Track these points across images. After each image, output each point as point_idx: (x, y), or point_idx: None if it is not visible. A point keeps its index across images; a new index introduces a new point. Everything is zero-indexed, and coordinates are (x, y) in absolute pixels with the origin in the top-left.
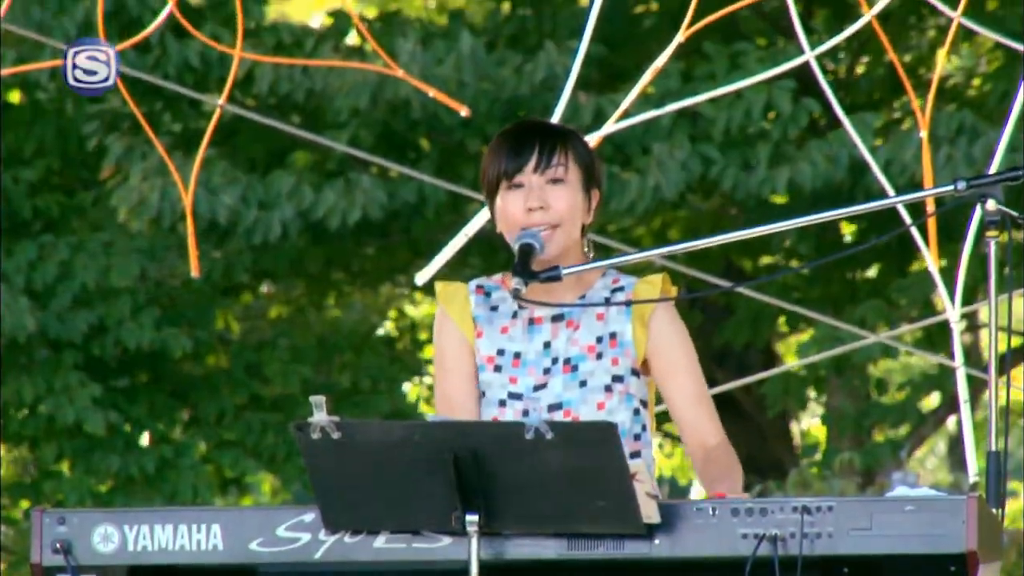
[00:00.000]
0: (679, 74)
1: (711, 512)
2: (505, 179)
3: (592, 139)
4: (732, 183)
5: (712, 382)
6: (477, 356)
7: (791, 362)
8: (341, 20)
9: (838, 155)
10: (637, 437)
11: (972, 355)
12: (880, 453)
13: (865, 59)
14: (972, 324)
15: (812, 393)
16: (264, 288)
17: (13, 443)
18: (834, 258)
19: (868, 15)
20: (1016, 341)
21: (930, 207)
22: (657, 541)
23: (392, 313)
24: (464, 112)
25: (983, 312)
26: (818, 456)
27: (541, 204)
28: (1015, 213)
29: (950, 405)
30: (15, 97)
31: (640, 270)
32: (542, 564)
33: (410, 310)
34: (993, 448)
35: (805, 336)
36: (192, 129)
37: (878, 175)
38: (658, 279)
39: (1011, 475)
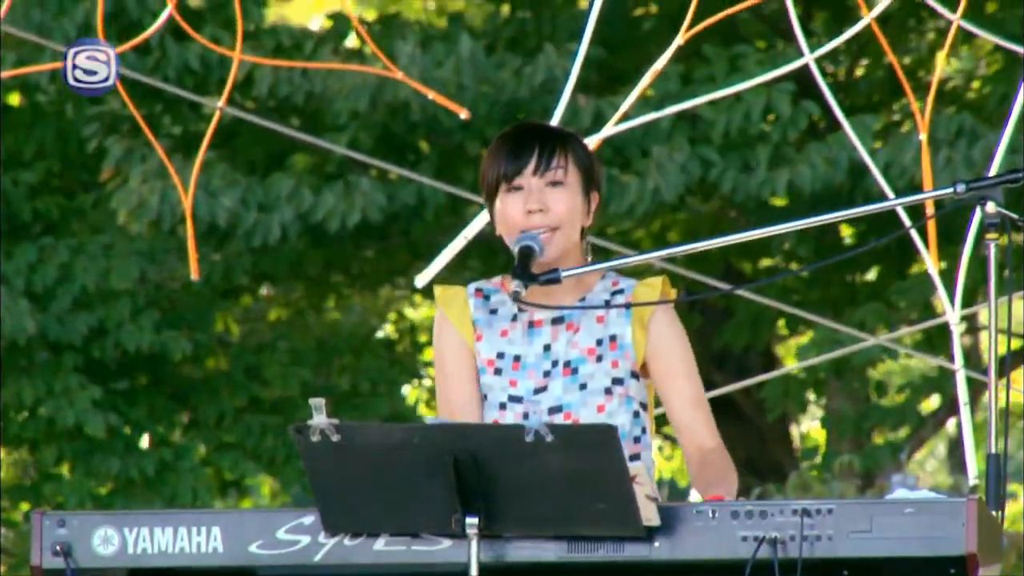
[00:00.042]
0: (678, 77)
1: (711, 515)
2: (504, 182)
3: (591, 142)
4: (731, 185)
5: (711, 385)
6: (477, 359)
7: (790, 365)
8: (340, 23)
9: (837, 157)
10: (637, 440)
11: (972, 357)
12: (880, 456)
13: (864, 61)
14: (972, 326)
15: (811, 396)
16: (264, 291)
17: (13, 445)
18: (834, 260)
19: (867, 18)
20: (1016, 343)
21: (930, 209)
22: (657, 544)
23: (391, 315)
24: (463, 114)
25: (983, 314)
26: (818, 459)
27: (540, 207)
28: (1015, 215)
29: (950, 407)
30: (15, 99)
31: (639, 273)
32: (542, 567)
33: (409, 312)
34: (993, 450)
35: (804, 339)
36: (192, 131)
37: (878, 177)
38: (658, 282)
39: (1011, 477)
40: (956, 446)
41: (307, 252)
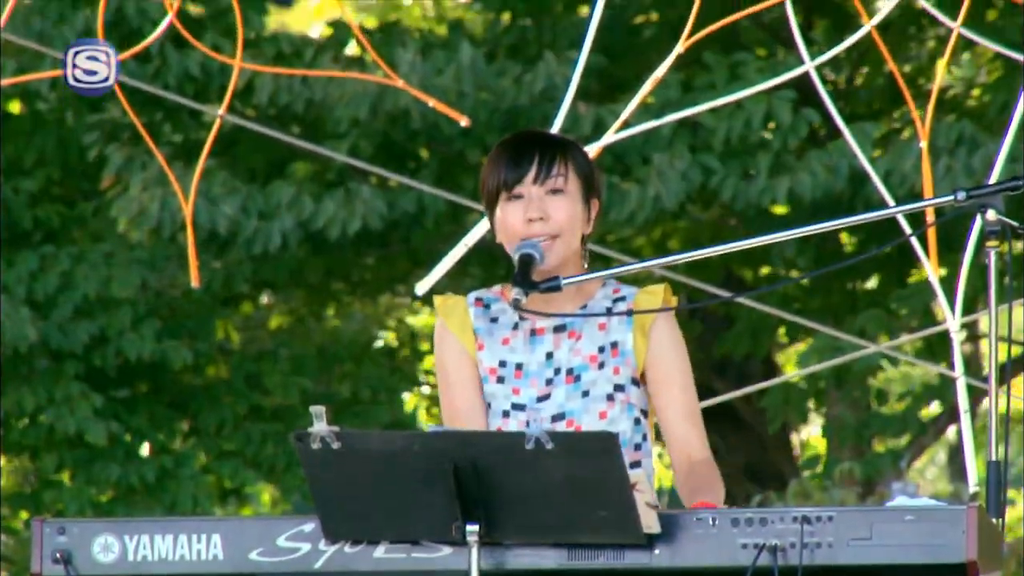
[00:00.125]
0: (679, 84)
1: (711, 522)
2: (505, 190)
3: (592, 149)
4: (732, 193)
5: (712, 392)
6: (479, 368)
7: (791, 372)
8: (341, 30)
9: (838, 165)
10: (638, 447)
11: (972, 365)
12: (880, 463)
13: (865, 69)
14: (972, 334)
15: (812, 404)
16: (264, 298)
17: (14, 453)
18: (834, 268)
19: (868, 25)
20: (1016, 351)
21: (930, 217)
22: (657, 551)
23: (392, 323)
24: (464, 122)
25: (983, 322)
26: (819, 468)
27: (541, 215)
28: (1015, 223)
29: (950, 415)
30: (15, 107)
31: (640, 280)
32: (542, 574)
33: (410, 320)
34: (993, 458)
35: (804, 346)
36: (192, 139)
37: (878, 185)
38: (659, 289)
39: (1010, 484)
40: (956, 453)
41: (307, 260)
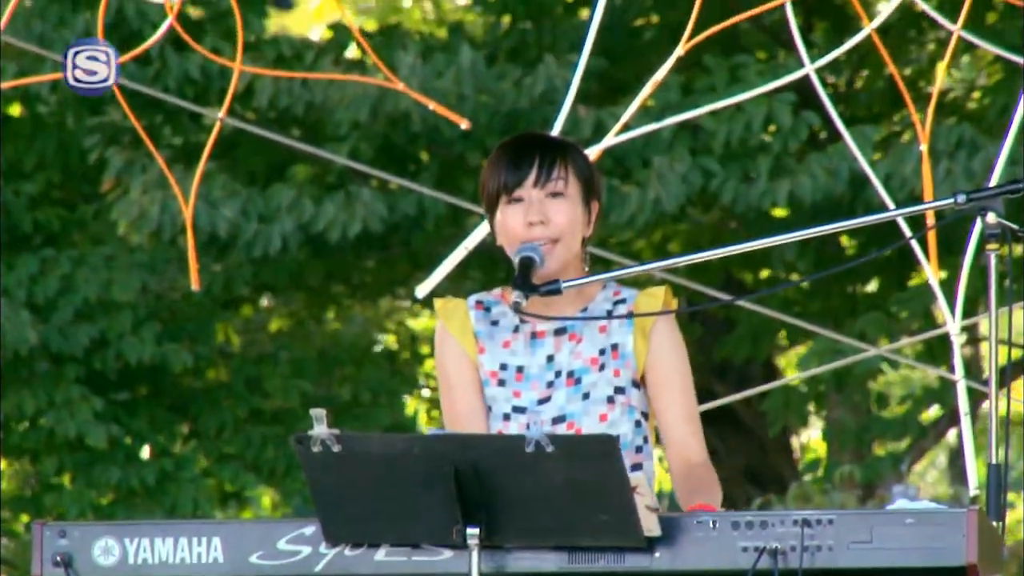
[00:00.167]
0: (679, 87)
1: (711, 525)
2: (505, 193)
3: (592, 152)
4: (732, 196)
5: (713, 395)
6: (480, 371)
7: (791, 375)
8: (341, 33)
9: (838, 168)
10: (639, 449)
11: (973, 368)
12: (881, 467)
13: (865, 72)
14: (972, 337)
15: (812, 407)
16: (264, 301)
17: (14, 456)
18: (835, 271)
19: (868, 28)
20: (1016, 354)
21: (930, 220)
22: (658, 554)
23: (392, 326)
24: (464, 125)
25: (983, 325)
26: (820, 472)
27: (541, 219)
28: (1015, 226)
29: (951, 418)
30: (16, 110)
31: (641, 283)
32: None
33: (410, 323)
34: (993, 461)
35: (805, 349)
36: (192, 142)
37: (878, 188)
38: (660, 291)
39: (1011, 487)
40: (957, 456)
41: (308, 263)
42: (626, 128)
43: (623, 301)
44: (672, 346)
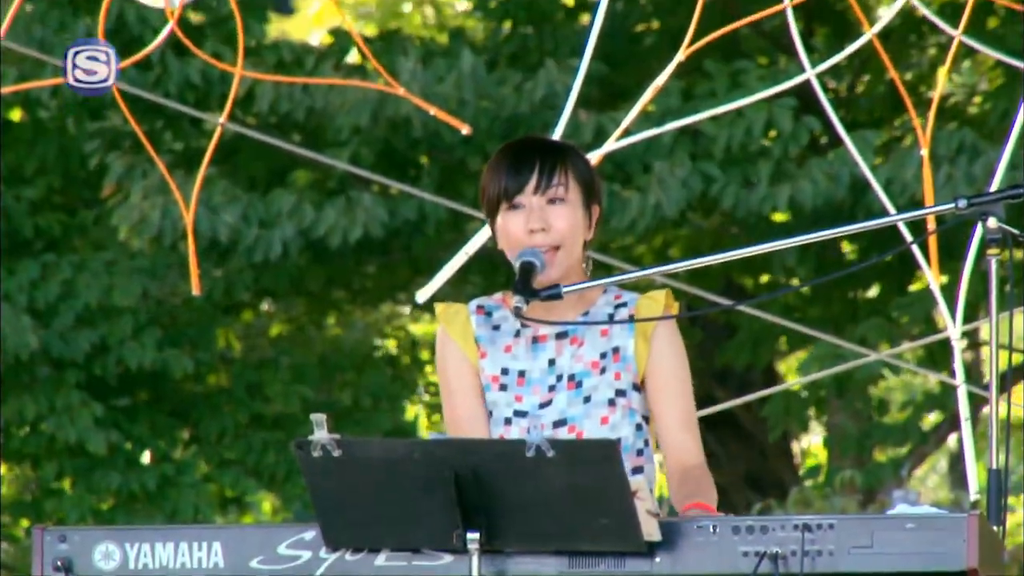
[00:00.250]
0: (680, 92)
1: (712, 530)
2: (505, 199)
3: (593, 157)
4: (733, 201)
5: (713, 400)
6: (482, 376)
7: (792, 380)
8: (341, 38)
9: (839, 173)
10: (640, 452)
11: (973, 373)
12: (881, 472)
13: (866, 77)
14: (973, 342)
15: (813, 412)
16: (265, 306)
17: (14, 461)
18: (836, 276)
19: (869, 33)
20: (1017, 359)
21: (931, 225)
22: (658, 559)
23: (393, 331)
24: (465, 130)
25: (984, 330)
26: (820, 478)
27: (543, 226)
28: (1016, 231)
29: (951, 423)
30: (16, 115)
31: (641, 288)
32: None
33: (411, 328)
34: (994, 466)
35: (805, 355)
36: (193, 147)
37: (879, 193)
38: (661, 295)
39: (1011, 491)
40: (957, 461)
41: (308, 268)
42: (627, 133)
43: (624, 305)
44: (672, 350)
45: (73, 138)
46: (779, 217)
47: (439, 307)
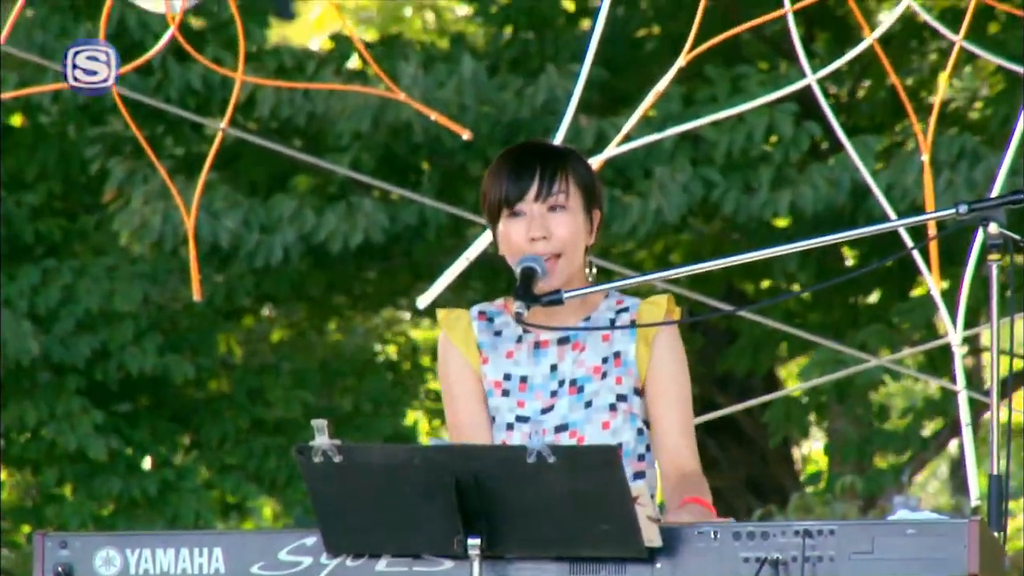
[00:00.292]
0: (681, 97)
1: (712, 536)
2: (506, 207)
3: (594, 163)
4: (734, 206)
5: (714, 406)
6: (484, 382)
7: (793, 386)
8: (342, 44)
9: (840, 179)
10: (641, 457)
11: (974, 378)
12: (882, 478)
13: (867, 82)
14: (974, 347)
15: (813, 418)
16: (266, 312)
17: (15, 467)
18: (836, 282)
19: (870, 38)
20: (1018, 364)
21: (932, 230)
22: (659, 565)
23: (394, 336)
24: (466, 135)
25: (985, 335)
26: (821, 485)
27: (544, 233)
28: (1017, 236)
29: (952, 428)
30: (17, 121)
31: (642, 294)
32: None
33: (412, 333)
34: (995, 471)
35: (806, 360)
36: (194, 153)
37: (880, 199)
38: (663, 300)
39: (1011, 497)
40: (958, 467)
41: (309, 273)
42: (628, 138)
43: (626, 310)
44: (673, 356)
45: (74, 143)
46: (780, 222)
47: (441, 313)
